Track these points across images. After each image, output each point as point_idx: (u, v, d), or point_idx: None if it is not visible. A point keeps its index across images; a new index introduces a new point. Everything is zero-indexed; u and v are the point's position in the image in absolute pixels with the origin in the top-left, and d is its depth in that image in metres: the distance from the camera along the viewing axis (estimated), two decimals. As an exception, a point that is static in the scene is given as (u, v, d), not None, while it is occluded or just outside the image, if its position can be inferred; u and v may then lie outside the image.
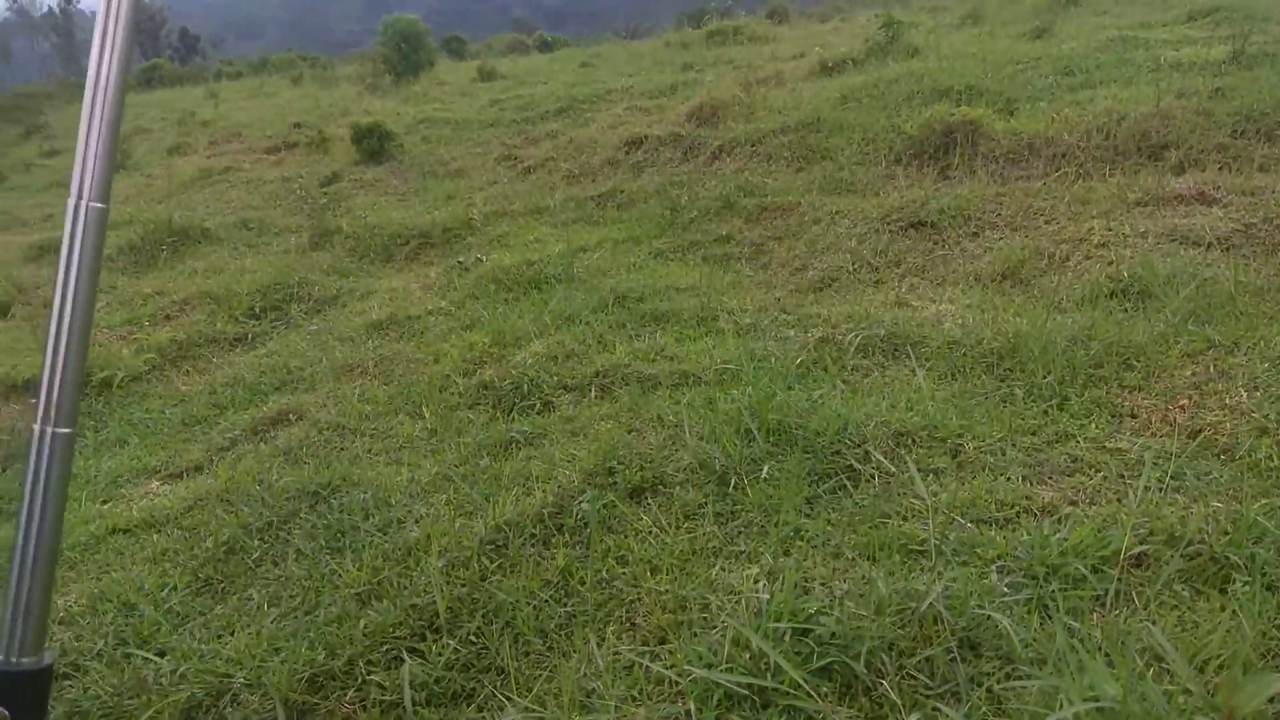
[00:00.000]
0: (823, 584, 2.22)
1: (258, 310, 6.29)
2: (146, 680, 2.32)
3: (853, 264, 5.26)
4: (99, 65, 0.83)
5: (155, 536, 3.23)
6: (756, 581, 2.26)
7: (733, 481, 2.76)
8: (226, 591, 2.78)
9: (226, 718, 2.14)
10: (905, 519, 2.50)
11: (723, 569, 2.39)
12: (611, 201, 7.80)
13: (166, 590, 2.79)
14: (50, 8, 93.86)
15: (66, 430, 0.87)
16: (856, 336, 3.84)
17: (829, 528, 2.51)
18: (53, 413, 0.84)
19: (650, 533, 2.60)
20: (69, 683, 2.42)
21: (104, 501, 3.73)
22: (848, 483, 2.72)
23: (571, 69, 17.19)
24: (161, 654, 2.45)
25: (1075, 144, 6.19)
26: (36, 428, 0.84)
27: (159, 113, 19.89)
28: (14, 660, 0.85)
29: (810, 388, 3.39)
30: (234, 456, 3.91)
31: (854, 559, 2.34)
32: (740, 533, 2.55)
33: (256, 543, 3.01)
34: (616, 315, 4.88)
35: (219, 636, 2.49)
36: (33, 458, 0.85)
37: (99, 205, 0.82)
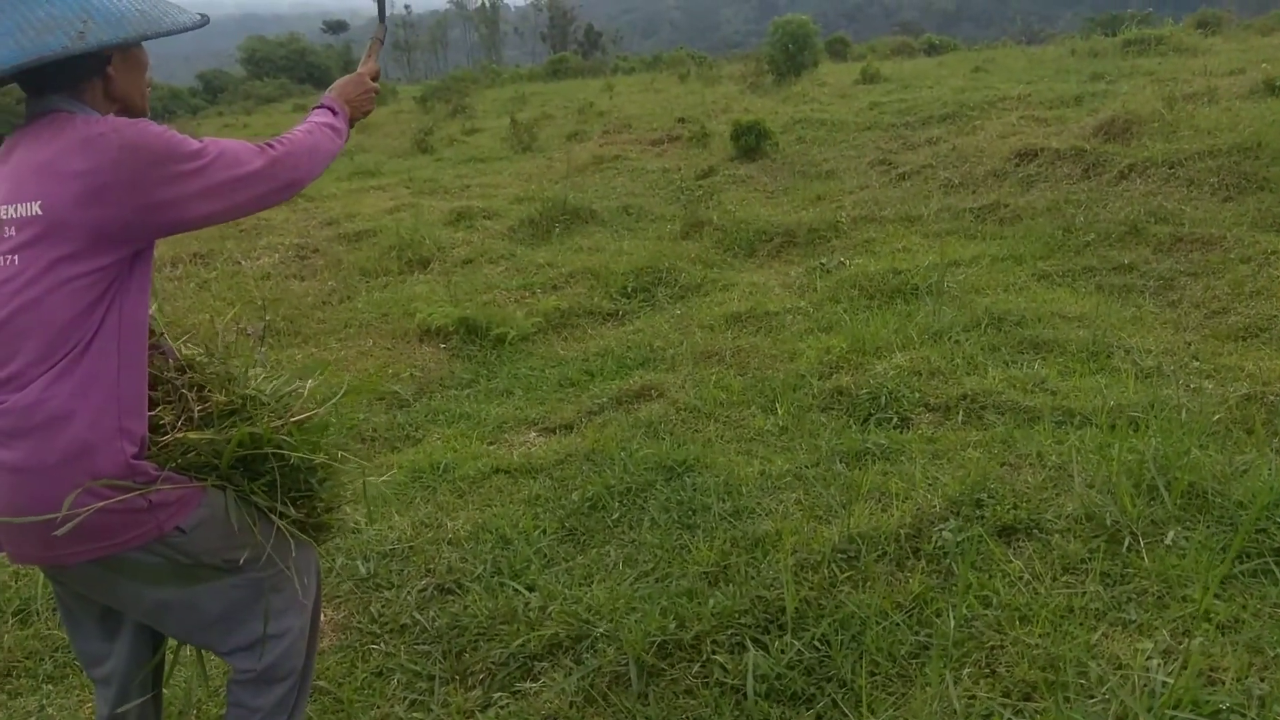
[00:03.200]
0: (1236, 679, 1.89)
1: (630, 290, 6.70)
2: (517, 611, 2.55)
3: (1291, 314, 4.46)
4: None
5: (530, 482, 3.56)
6: (1149, 658, 1.98)
7: (1126, 541, 2.45)
8: (587, 544, 2.99)
9: (584, 662, 2.29)
10: (1352, 627, 2.06)
11: (1105, 635, 2.13)
12: (993, 215, 7.31)
13: (537, 532, 3.06)
14: (483, 2, 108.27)
15: None
16: (1295, 400, 3.25)
17: (1246, 615, 2.13)
18: None
19: (1021, 579, 2.39)
20: (452, 597, 2.75)
21: (490, 443, 4.18)
22: (1275, 568, 2.30)
23: (961, 73, 16.36)
24: (530, 589, 2.69)
25: None
26: None
27: (562, 101, 21.98)
28: None
29: (1231, 451, 2.91)
30: (601, 421, 4.20)
31: (1279, 658, 1.97)
32: (1131, 600, 2.25)
33: (617, 504, 3.21)
34: (990, 337, 4.56)
35: (580, 584, 2.68)
36: None
37: None
